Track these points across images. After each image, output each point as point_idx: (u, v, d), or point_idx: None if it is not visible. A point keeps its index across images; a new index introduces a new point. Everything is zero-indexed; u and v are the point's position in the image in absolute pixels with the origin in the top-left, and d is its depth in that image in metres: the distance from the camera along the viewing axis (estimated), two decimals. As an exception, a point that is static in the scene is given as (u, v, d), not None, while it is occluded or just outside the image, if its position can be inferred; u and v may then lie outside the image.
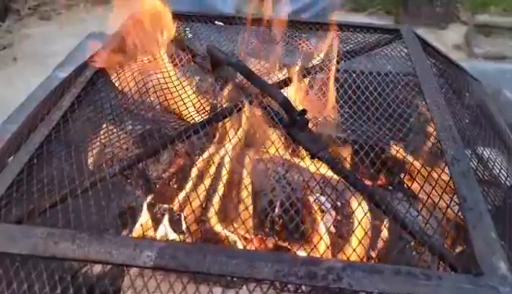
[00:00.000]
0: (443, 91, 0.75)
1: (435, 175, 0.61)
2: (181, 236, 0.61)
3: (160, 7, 0.82)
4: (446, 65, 0.94)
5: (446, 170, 0.57)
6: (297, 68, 0.79)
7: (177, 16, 0.94)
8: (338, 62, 0.79)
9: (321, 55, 0.82)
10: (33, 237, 0.46)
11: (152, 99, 0.69)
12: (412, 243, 0.59)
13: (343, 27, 0.91)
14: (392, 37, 0.88)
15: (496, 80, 1.24)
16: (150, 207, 0.65)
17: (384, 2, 3.10)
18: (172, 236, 0.61)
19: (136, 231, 0.60)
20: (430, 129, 0.65)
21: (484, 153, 0.70)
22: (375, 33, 0.91)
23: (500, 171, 0.69)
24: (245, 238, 0.62)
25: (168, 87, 0.70)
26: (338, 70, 0.79)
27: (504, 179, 0.68)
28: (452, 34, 2.85)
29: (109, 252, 0.45)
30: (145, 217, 0.63)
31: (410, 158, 0.65)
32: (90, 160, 0.63)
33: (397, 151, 0.65)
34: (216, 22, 0.92)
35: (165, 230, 0.61)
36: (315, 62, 0.80)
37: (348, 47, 0.85)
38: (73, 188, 0.54)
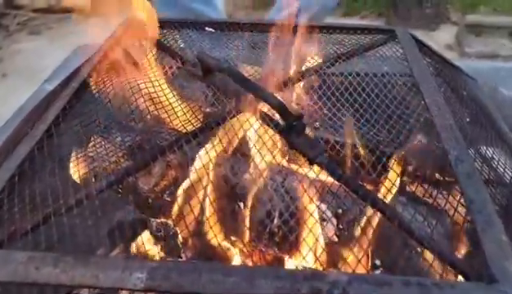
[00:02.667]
0: (442, 91, 0.73)
1: (439, 178, 0.58)
2: (176, 252, 0.58)
3: (149, 16, 0.80)
4: (442, 65, 0.92)
5: (451, 171, 0.54)
6: (291, 72, 0.77)
7: (166, 24, 0.92)
8: (333, 64, 0.76)
9: (316, 58, 0.79)
10: (13, 262, 0.42)
11: (141, 109, 0.66)
12: (419, 250, 0.56)
13: (337, 29, 0.89)
14: (387, 38, 0.87)
15: (490, 78, 1.23)
16: (142, 222, 0.62)
17: (374, 5, 3.12)
18: (166, 253, 0.58)
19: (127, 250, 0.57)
20: (431, 130, 0.63)
21: (487, 152, 0.68)
22: (370, 34, 0.89)
23: (504, 171, 0.66)
24: (243, 252, 0.59)
25: (157, 96, 0.67)
26: (333, 73, 0.77)
27: (509, 178, 0.66)
28: (443, 35, 2.85)
29: (95, 276, 0.42)
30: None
31: (411, 161, 0.62)
32: (76, 176, 0.60)
33: (398, 154, 0.62)
34: (206, 28, 0.90)
35: (158, 248, 0.57)
36: (310, 65, 0.78)
37: (342, 49, 0.83)
38: (57, 206, 0.51)
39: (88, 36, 0.80)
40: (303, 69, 0.78)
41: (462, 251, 0.52)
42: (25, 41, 3.02)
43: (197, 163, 0.64)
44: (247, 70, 0.75)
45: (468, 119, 0.72)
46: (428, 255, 0.47)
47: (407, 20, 2.80)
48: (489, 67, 1.49)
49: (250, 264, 0.58)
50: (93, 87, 0.69)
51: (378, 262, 0.56)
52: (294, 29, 0.87)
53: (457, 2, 3.07)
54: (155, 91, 0.68)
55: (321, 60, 0.79)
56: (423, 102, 0.66)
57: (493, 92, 1.16)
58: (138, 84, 0.68)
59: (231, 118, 0.64)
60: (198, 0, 1.47)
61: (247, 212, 0.59)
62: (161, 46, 0.82)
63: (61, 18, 3.18)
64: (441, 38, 2.79)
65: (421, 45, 0.89)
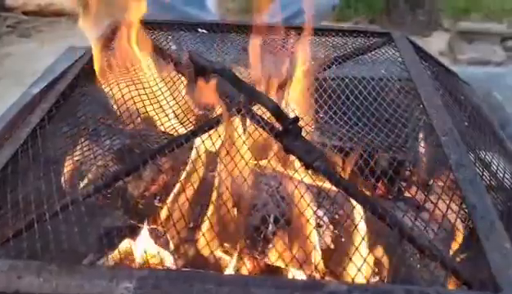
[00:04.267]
0: (440, 94, 0.72)
1: (439, 183, 0.57)
2: (166, 260, 0.55)
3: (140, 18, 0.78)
4: (438, 69, 0.91)
5: (451, 176, 0.53)
6: (287, 75, 0.75)
7: (158, 25, 0.90)
8: (329, 67, 0.75)
9: (311, 61, 0.78)
10: (-7, 271, 0.40)
11: (131, 111, 0.64)
12: (418, 256, 0.55)
13: (332, 31, 0.88)
14: (384, 41, 0.86)
15: (484, 83, 1.22)
16: (131, 228, 0.59)
17: (368, 11, 3.13)
18: (156, 261, 0.55)
19: (115, 258, 0.54)
20: (430, 134, 0.62)
21: (486, 157, 0.66)
22: (366, 37, 0.88)
23: (504, 176, 0.65)
24: (237, 260, 0.56)
25: (148, 98, 0.65)
26: (329, 76, 0.75)
27: (509, 183, 0.64)
28: (436, 42, 2.87)
29: (81, 285, 0.40)
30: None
31: (410, 165, 0.61)
32: (62, 180, 0.57)
33: (397, 158, 0.61)
34: (199, 29, 0.88)
35: (147, 255, 0.55)
36: (304, 68, 0.76)
37: (338, 52, 0.81)
38: (41, 212, 0.48)
39: (79, 39, 0.78)
40: (299, 71, 0.77)
41: (464, 259, 0.51)
42: (16, 44, 2.97)
43: (189, 168, 0.62)
44: (241, 72, 0.73)
45: (466, 123, 0.71)
46: (430, 262, 0.45)
47: (400, 27, 2.82)
48: (483, 72, 1.49)
49: (245, 272, 0.55)
50: (80, 89, 0.67)
51: (378, 270, 0.54)
52: (290, 32, 0.86)
53: (449, 9, 3.10)
54: (146, 93, 0.66)
55: (316, 63, 0.78)
56: (421, 106, 0.65)
57: (487, 97, 1.16)
58: (128, 86, 0.66)
59: (224, 121, 0.61)
60: (191, 3, 1.46)
61: (241, 219, 0.57)
62: (153, 48, 0.80)
63: (52, 21, 3.14)
64: (433, 45, 2.81)
65: (417, 49, 0.88)
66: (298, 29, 0.83)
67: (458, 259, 0.49)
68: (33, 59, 2.66)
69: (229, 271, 0.55)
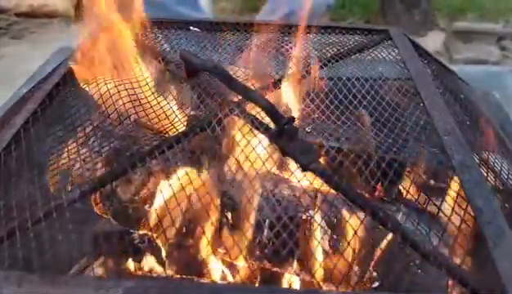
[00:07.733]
0: (440, 93, 0.70)
1: (442, 185, 0.55)
2: (156, 268, 0.53)
3: (133, 15, 0.76)
4: (437, 68, 0.90)
5: (455, 178, 0.51)
6: (281, 73, 0.73)
7: (149, 24, 0.88)
8: (325, 65, 0.73)
9: (307, 60, 0.76)
10: (-30, 283, 0.37)
11: (120, 112, 0.61)
12: (424, 264, 0.52)
13: (328, 29, 0.86)
14: (381, 39, 0.83)
15: (482, 83, 1.21)
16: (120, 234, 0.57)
17: (363, 11, 3.12)
18: (145, 269, 0.52)
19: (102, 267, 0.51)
20: (431, 133, 0.59)
21: (490, 157, 0.64)
22: (363, 34, 0.86)
23: (508, 177, 0.63)
24: (232, 267, 0.54)
25: (138, 99, 0.62)
26: (325, 75, 0.73)
27: (513, 185, 0.62)
28: (432, 41, 2.86)
29: (63, 298, 0.37)
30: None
31: (412, 167, 0.58)
32: (46, 185, 0.54)
33: (397, 159, 0.58)
34: (191, 28, 0.85)
35: (136, 263, 0.52)
36: (300, 66, 0.74)
37: (335, 49, 0.79)
38: (23, 219, 0.45)
39: (71, 41, 0.76)
40: (294, 70, 0.74)
41: (470, 265, 0.48)
42: (8, 45, 2.94)
43: (181, 171, 0.59)
44: (234, 71, 0.71)
45: (468, 123, 0.69)
46: (435, 270, 0.43)
47: (396, 26, 2.81)
48: (480, 71, 1.48)
49: (240, 280, 0.53)
50: (68, 90, 0.64)
51: (379, 278, 0.52)
52: (284, 30, 0.84)
53: (445, 8, 3.09)
54: (135, 93, 0.63)
55: (312, 62, 0.76)
56: (422, 105, 0.63)
57: (486, 96, 1.14)
58: (117, 86, 0.63)
59: (217, 122, 0.59)
60: (184, 3, 1.44)
61: (236, 224, 0.55)
62: (143, 47, 0.77)
63: (45, 23, 3.10)
64: (429, 45, 2.79)
65: (416, 47, 0.86)
66: (294, 27, 0.81)
67: (464, 265, 0.46)
68: (25, 61, 2.61)
69: (223, 280, 0.52)
